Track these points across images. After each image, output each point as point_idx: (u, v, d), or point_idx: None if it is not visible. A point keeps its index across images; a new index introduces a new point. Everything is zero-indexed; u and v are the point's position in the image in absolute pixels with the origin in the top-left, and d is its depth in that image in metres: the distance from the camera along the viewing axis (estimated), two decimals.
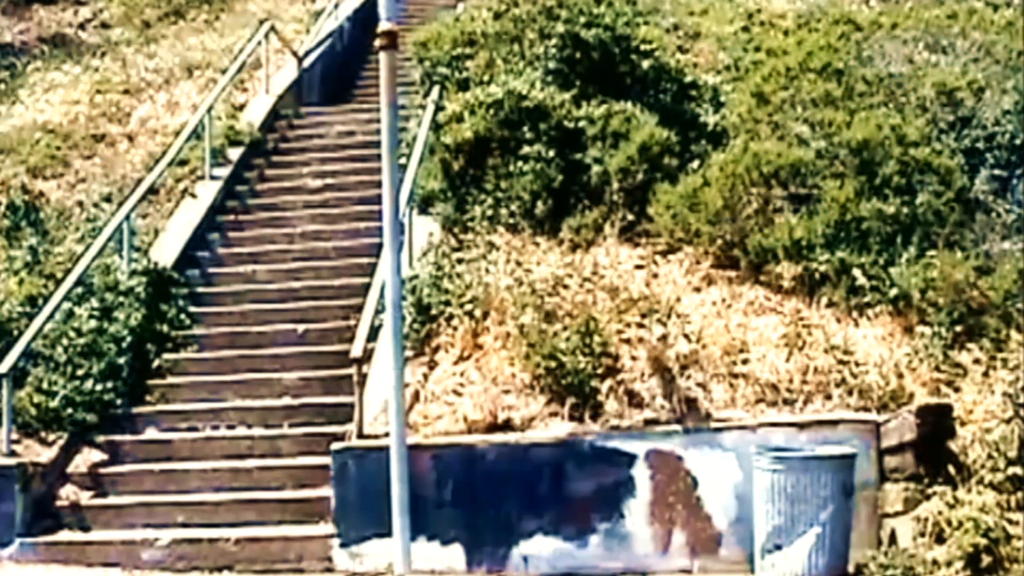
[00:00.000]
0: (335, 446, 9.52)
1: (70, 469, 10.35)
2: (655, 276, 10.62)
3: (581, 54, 12.99)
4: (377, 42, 7.90)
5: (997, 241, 10.33)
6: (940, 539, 7.55)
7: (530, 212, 11.66)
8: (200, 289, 12.52)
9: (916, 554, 7.62)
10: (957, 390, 8.94)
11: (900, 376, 9.17)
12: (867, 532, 8.49)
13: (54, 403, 10.54)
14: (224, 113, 15.56)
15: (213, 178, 14.27)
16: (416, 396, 9.75)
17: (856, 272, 10.04)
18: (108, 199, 13.92)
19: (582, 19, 13.09)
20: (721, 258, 10.79)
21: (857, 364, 9.30)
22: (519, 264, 10.72)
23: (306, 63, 17.66)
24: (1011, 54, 12.56)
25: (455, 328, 10.21)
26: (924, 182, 10.78)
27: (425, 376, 9.98)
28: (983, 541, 7.25)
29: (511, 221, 11.66)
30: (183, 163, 14.24)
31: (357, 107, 16.57)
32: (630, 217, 11.43)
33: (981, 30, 13.34)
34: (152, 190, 13.44)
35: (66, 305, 11.26)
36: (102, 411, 10.73)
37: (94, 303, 11.51)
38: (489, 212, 11.74)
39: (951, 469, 7.76)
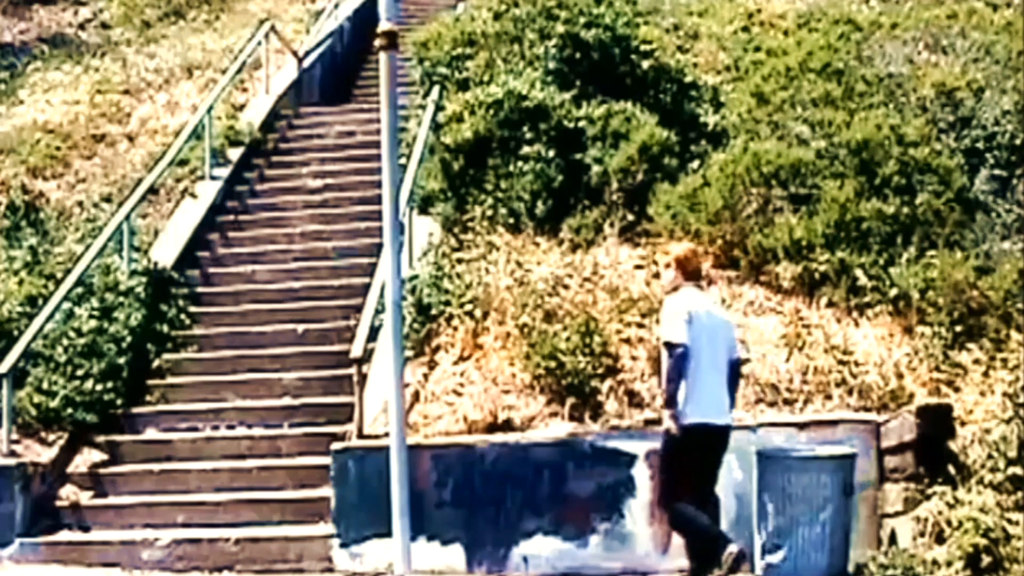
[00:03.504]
0: (335, 446, 9.52)
1: (70, 469, 10.35)
2: (655, 276, 10.61)
3: (581, 54, 13.00)
4: (377, 42, 7.88)
5: (997, 241, 10.33)
6: (940, 539, 7.54)
7: (530, 212, 11.66)
8: (200, 289, 12.53)
9: (916, 554, 7.61)
10: (957, 390, 8.94)
11: (900, 376, 9.17)
12: (867, 532, 8.49)
13: (54, 403, 10.54)
14: (224, 113, 15.56)
15: (213, 178, 14.28)
16: (416, 396, 9.75)
17: (856, 272, 10.04)
18: (108, 199, 13.93)
19: (582, 19, 13.10)
20: (721, 258, 10.79)
21: (857, 364, 9.30)
22: (519, 264, 10.72)
23: (306, 63, 17.67)
24: (1011, 54, 12.58)
25: (455, 328, 10.22)
26: (924, 182, 10.78)
27: (425, 376, 9.98)
28: (983, 541, 7.24)
29: (511, 221, 11.66)
30: (183, 163, 14.24)
31: (357, 107, 16.57)
32: (630, 217, 11.44)
33: (981, 30, 13.35)
34: (152, 190, 13.44)
35: (66, 305, 11.26)
36: (102, 411, 10.72)
37: (94, 303, 11.51)
38: (489, 212, 11.74)
39: (951, 469, 7.76)
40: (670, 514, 7.97)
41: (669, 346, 7.71)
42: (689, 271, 8.07)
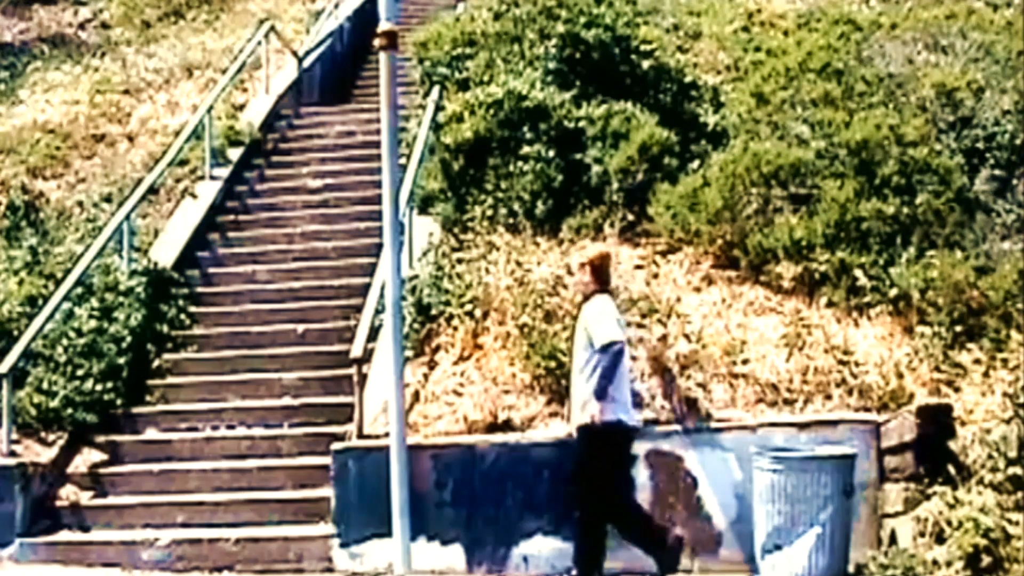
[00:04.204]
0: (335, 446, 9.52)
1: (70, 469, 10.35)
2: (655, 276, 10.62)
3: (581, 54, 13.00)
4: (377, 42, 7.90)
5: (997, 241, 10.33)
6: (940, 539, 7.54)
7: (530, 212, 11.65)
8: (200, 289, 12.53)
9: (916, 554, 7.61)
10: (957, 390, 8.94)
11: (900, 376, 9.17)
12: (867, 532, 8.50)
13: (54, 403, 10.54)
14: (224, 113, 15.56)
15: (213, 178, 14.29)
16: (416, 396, 9.75)
17: (856, 272, 10.04)
18: (108, 199, 13.94)
19: (582, 19, 13.09)
20: (721, 258, 10.79)
21: (857, 364, 9.30)
22: (519, 264, 10.72)
23: (306, 63, 17.66)
24: (1011, 54, 12.57)
25: (455, 328, 10.22)
26: (924, 182, 10.78)
27: (425, 376, 9.98)
28: (983, 541, 7.24)
29: (511, 221, 11.65)
30: (183, 163, 14.25)
31: (357, 107, 16.58)
32: (630, 217, 11.43)
33: (981, 30, 13.35)
34: (152, 190, 13.45)
35: (66, 305, 11.27)
36: (102, 411, 10.73)
37: (94, 303, 11.52)
38: (489, 212, 11.73)
39: (951, 469, 7.76)
40: (583, 512, 8.32)
41: (607, 345, 8.11)
42: (602, 277, 8.50)
